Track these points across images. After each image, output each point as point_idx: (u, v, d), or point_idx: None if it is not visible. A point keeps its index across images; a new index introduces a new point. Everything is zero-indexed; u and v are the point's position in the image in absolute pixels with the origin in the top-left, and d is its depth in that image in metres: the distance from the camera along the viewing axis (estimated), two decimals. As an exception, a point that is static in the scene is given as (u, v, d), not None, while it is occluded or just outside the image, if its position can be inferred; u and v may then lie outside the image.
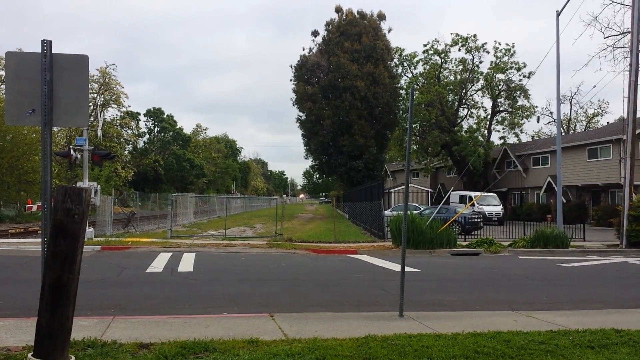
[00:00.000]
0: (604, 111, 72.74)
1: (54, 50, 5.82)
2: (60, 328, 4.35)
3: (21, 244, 18.60)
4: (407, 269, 8.97)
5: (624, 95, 21.11)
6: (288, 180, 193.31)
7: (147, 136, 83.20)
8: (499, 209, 39.47)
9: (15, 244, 18.66)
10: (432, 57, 51.69)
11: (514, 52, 49.76)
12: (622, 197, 21.51)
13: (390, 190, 52.14)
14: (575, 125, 72.00)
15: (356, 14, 48.87)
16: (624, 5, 23.49)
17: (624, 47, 23.59)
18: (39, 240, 11.77)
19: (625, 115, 21.90)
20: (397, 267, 12.88)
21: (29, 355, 4.37)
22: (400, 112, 48.88)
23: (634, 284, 12.70)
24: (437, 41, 51.45)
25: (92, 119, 48.49)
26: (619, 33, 25.07)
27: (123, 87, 61.29)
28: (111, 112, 63.77)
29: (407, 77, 53.45)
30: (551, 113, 66.99)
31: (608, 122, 59.86)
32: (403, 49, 52.48)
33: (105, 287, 10.48)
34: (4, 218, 34.49)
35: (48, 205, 5.59)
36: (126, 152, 69.56)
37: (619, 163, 35.20)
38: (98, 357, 5.12)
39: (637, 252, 19.65)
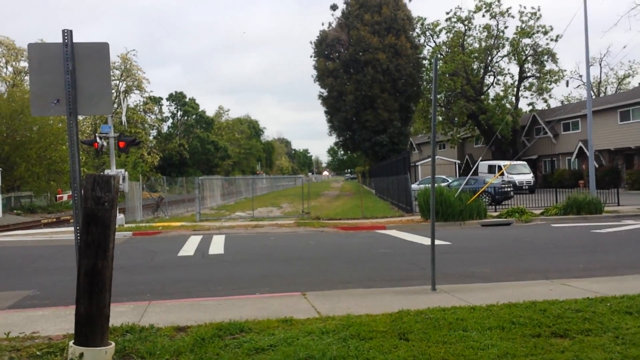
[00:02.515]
0: (634, 72, 70.55)
1: (75, 39, 5.82)
2: (99, 315, 4.42)
3: (54, 234, 19.02)
4: (437, 242, 8.89)
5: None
6: (312, 158, 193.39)
7: (171, 120, 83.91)
8: (529, 177, 38.81)
9: (48, 234, 19.09)
10: (455, 24, 50.70)
11: (540, 15, 48.54)
12: (657, 159, 20.92)
13: (417, 164, 51.69)
14: (606, 88, 70.07)
15: (375, -16, 47.85)
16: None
17: (655, 4, 22.65)
18: (72, 229, 12.02)
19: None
20: (426, 241, 12.79)
21: (70, 343, 4.45)
22: (424, 83, 48.16)
23: (672, 247, 12.40)
24: (460, 8, 50.65)
25: (115, 105, 49.03)
26: (649, -10, 24.08)
27: (144, 73, 62.08)
28: (134, 98, 64.46)
29: (430, 46, 52.61)
30: (580, 76, 65.26)
31: (639, 83, 58.08)
32: (425, 18, 51.57)
33: (139, 273, 10.66)
34: (36, 209, 35.32)
35: (78, 195, 5.65)
36: (151, 138, 70.30)
37: (652, 124, 34.22)
38: (137, 341, 5.20)
39: (674, 214, 19.18)
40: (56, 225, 24.99)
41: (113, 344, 4.64)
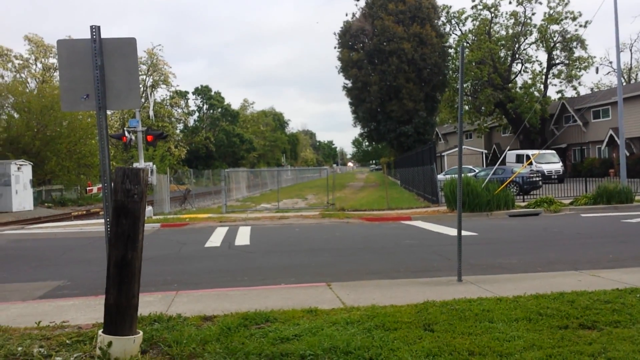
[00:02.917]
0: (667, 57, 68.42)
1: (103, 36, 5.91)
2: (127, 305, 4.51)
3: (84, 226, 19.40)
4: (463, 232, 8.81)
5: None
6: (337, 149, 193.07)
7: (197, 114, 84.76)
8: (558, 166, 38.11)
9: (78, 226, 19.47)
10: (482, 12, 49.96)
11: (569, 1, 47.47)
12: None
13: (443, 154, 51.23)
14: (637, 74, 68.23)
15: (399, -27, 47.31)
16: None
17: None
18: (101, 221, 12.25)
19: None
20: (452, 232, 12.70)
21: (99, 332, 4.56)
22: (450, 72, 47.60)
23: None
24: (487, -5, 49.54)
25: (142, 100, 49.65)
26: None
27: (170, 67, 62.55)
28: (160, 93, 65.16)
29: (456, 35, 51.95)
30: (610, 63, 63.86)
31: (673, 68, 56.35)
32: (450, 6, 51.06)
33: (167, 263, 10.83)
34: (66, 201, 36.10)
35: (108, 187, 5.76)
36: (178, 131, 71.10)
37: (686, 110, 33.21)
38: (165, 330, 5.29)
39: None
40: (86, 218, 25.50)
41: (141, 332, 4.74)
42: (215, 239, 14.30)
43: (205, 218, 20.14)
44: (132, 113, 37.76)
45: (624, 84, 55.13)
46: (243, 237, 14.62)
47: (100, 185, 21.51)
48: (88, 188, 37.28)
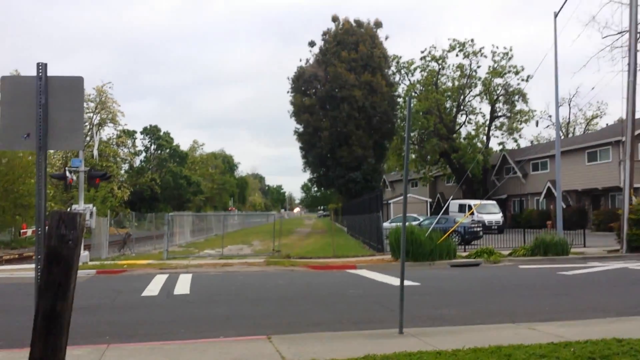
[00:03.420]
0: (602, 113, 73.07)
1: (51, 71, 5.78)
2: (53, 359, 4.24)
3: (15, 271, 18.43)
4: (406, 282, 8.85)
5: (622, 95, 21.04)
6: (286, 194, 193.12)
7: (144, 154, 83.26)
8: (498, 217, 39.32)
9: (9, 271, 18.48)
10: (430, 63, 51.73)
11: (512, 55, 49.93)
12: (622, 201, 21.40)
13: (389, 201, 52.03)
14: (575, 128, 72.07)
15: (353, 22, 48.78)
16: (622, 3, 23.46)
17: (622, 46, 23.51)
18: (33, 266, 11.61)
19: (624, 116, 21.85)
20: (396, 282, 12.70)
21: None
22: (398, 120, 48.82)
23: (636, 290, 12.59)
24: (435, 47, 51.65)
25: (88, 138, 48.42)
26: (617, 32, 25.00)
27: (119, 106, 61.28)
28: (107, 131, 63.79)
29: (405, 84, 53.45)
30: (550, 116, 67.05)
31: (607, 124, 59.94)
32: (400, 57, 52.61)
33: (100, 313, 10.34)
34: (-2, 244, 34.24)
35: (42, 231, 5.51)
36: (122, 172, 69.47)
37: (618, 165, 35.19)
38: (91, 388, 5.00)
39: (638, 257, 19.53)
40: (18, 262, 24.19)
41: (65, 392, 4.44)
42: (154, 287, 13.80)
43: (144, 265, 19.49)
44: (76, 152, 36.73)
45: (562, 137, 58.12)
46: (183, 285, 14.18)
47: (35, 228, 20.54)
48: (22, 230, 35.49)
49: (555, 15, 23.46)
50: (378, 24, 49.49)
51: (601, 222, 36.07)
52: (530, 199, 48.40)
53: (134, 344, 7.38)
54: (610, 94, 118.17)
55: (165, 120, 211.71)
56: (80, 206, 21.29)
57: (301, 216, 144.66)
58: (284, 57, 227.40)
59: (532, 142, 67.69)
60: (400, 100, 49.62)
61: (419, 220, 31.15)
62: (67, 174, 21.57)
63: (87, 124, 53.89)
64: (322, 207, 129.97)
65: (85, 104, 57.14)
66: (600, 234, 32.48)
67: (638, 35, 21.55)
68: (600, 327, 7.89)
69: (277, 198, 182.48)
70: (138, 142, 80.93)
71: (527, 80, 49.16)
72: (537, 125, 71.57)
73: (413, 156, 51.93)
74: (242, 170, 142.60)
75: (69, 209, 17.59)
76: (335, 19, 49.06)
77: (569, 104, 69.19)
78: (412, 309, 9.61)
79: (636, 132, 22.91)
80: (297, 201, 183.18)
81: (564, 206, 34.84)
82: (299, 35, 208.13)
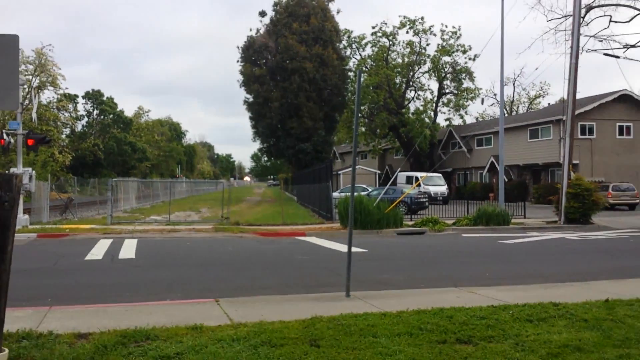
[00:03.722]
0: (545, 93, 75.25)
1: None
2: (-7, 320, 4.13)
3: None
4: (354, 249, 9.00)
5: (564, 77, 21.78)
6: (236, 163, 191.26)
7: (86, 119, 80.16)
8: (444, 188, 40.39)
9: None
10: (381, 39, 52.10)
11: (460, 35, 50.96)
12: (561, 176, 22.33)
13: (339, 172, 52.41)
14: (518, 107, 74.27)
15: (304, -6, 48.16)
16: (567, -12, 24.13)
17: (565, 30, 24.26)
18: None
19: (565, 97, 22.67)
20: (344, 248, 12.88)
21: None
22: (349, 94, 49.02)
23: (571, 258, 13.26)
24: (386, 23, 52.05)
25: (26, 101, 46.20)
26: (561, 16, 25.74)
27: (60, 69, 58.41)
28: (47, 95, 61.03)
29: (356, 59, 53.66)
30: (495, 95, 68.81)
31: (549, 104, 62.16)
32: (352, 31, 52.65)
33: (42, 277, 10.04)
34: None
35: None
36: (63, 136, 66.81)
37: (558, 143, 36.56)
38: (33, 348, 4.89)
39: (575, 228, 20.53)
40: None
41: (7, 350, 4.39)
42: (97, 252, 13.49)
43: (87, 229, 18.97)
44: (14, 114, 35.01)
45: (506, 115, 59.79)
46: (128, 250, 13.92)
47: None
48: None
49: (504, -4, 23.90)
50: (330, -3, 49.01)
51: (541, 195, 37.60)
52: (474, 172, 49.85)
53: (77, 306, 7.21)
54: (553, 75, 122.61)
55: (109, 85, 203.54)
56: (19, 169, 20.40)
57: (251, 185, 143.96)
58: (233, 25, 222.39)
59: (477, 118, 69.45)
60: (351, 74, 49.73)
61: (368, 190, 31.57)
62: (4, 136, 20.53)
63: (25, 86, 51.29)
64: (272, 177, 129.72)
65: (23, 66, 54.56)
66: (539, 206, 33.88)
67: (581, 19, 22.25)
68: (538, 292, 8.26)
69: (226, 167, 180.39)
70: (80, 107, 77.73)
71: (474, 60, 50.43)
72: (482, 102, 73.68)
73: (363, 129, 52.41)
74: (190, 138, 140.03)
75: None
76: (287, -11, 48.18)
77: (514, 84, 71.29)
78: (360, 273, 9.79)
79: (576, 112, 23.82)
80: (247, 170, 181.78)
81: (506, 180, 36.07)
82: (249, 4, 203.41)
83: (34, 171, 21.76)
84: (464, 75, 51.46)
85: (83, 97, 79.17)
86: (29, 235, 17.01)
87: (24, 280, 9.07)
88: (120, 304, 7.38)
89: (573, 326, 5.95)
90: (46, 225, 20.37)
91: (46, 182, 25.09)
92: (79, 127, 76.65)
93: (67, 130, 70.09)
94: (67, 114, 67.65)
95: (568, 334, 5.61)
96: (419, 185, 33.49)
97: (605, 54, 23.74)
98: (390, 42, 52.44)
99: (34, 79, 56.43)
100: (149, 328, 5.67)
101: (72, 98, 71.65)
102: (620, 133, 40.07)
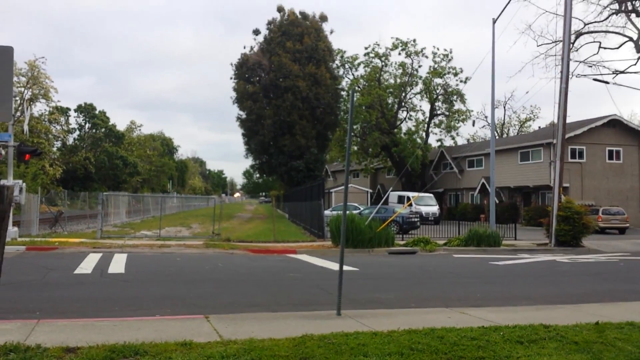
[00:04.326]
0: (535, 116, 75.85)
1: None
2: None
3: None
4: (345, 267, 8.99)
5: (554, 101, 22.04)
6: (227, 179, 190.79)
7: (78, 133, 79.90)
8: (435, 209, 40.51)
9: None
10: (373, 60, 52.66)
11: (452, 57, 51.55)
12: (552, 198, 22.46)
13: (331, 190, 52.42)
14: (509, 129, 74.91)
15: (298, 14, 48.73)
16: (556, 14, 24.58)
17: (555, 55, 24.72)
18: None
19: (555, 120, 22.92)
20: (335, 266, 12.90)
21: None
22: (342, 113, 49.30)
23: (562, 281, 13.29)
24: (378, 44, 52.63)
25: (18, 113, 46.06)
26: (551, 42, 26.22)
27: (52, 82, 58.29)
28: (39, 107, 60.86)
29: (349, 79, 54.15)
30: (486, 117, 69.47)
31: (539, 127, 62.64)
32: (345, 51, 53.18)
33: (30, 290, 9.92)
34: None
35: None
36: (54, 149, 66.49)
37: (549, 166, 36.90)
38: (20, 362, 4.82)
39: (565, 250, 20.60)
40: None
41: (-9, 365, 4.28)
42: (87, 266, 13.36)
43: (77, 243, 18.81)
44: (5, 126, 34.84)
45: (497, 137, 60.32)
46: (118, 264, 13.80)
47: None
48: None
49: (494, 21, 24.33)
50: (323, 18, 49.64)
51: (531, 217, 37.74)
52: (466, 193, 50.04)
53: (65, 320, 7.12)
54: (543, 99, 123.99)
55: (101, 99, 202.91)
56: (9, 181, 20.26)
57: (242, 202, 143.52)
58: (227, 43, 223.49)
59: (468, 140, 70.01)
60: (343, 93, 50.11)
61: (360, 209, 31.61)
62: (-4, 147, 20.42)
63: (17, 98, 51.17)
64: (263, 194, 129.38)
65: (16, 78, 54.45)
66: (530, 228, 34.02)
67: (571, 45, 22.60)
68: (529, 313, 8.27)
69: (218, 183, 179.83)
70: (72, 120, 77.55)
71: (465, 82, 51.07)
72: (473, 124, 74.10)
73: (355, 148, 52.63)
74: (182, 153, 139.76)
75: (-4, 183, 16.72)
76: (280, 9, 48.76)
77: (504, 107, 72.02)
78: (351, 292, 9.77)
79: (566, 136, 24.08)
80: (238, 187, 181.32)
81: (497, 201, 36.27)
82: (243, 23, 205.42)
83: (24, 183, 21.63)
84: (455, 97, 52.00)
85: (75, 111, 79.09)
86: (18, 248, 16.85)
87: (12, 292, 8.97)
88: (109, 319, 7.30)
89: (563, 348, 5.96)
90: (35, 238, 20.17)
91: (36, 194, 24.90)
92: (70, 140, 76.40)
93: (58, 143, 69.78)
94: (58, 127, 67.44)
95: (558, 356, 5.62)
96: (410, 205, 33.53)
97: (595, 79, 24.17)
98: (383, 63, 53.00)
99: (26, 91, 56.32)
100: (137, 343, 5.62)
101: (64, 111, 71.52)
102: (610, 157, 40.46)
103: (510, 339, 6.26)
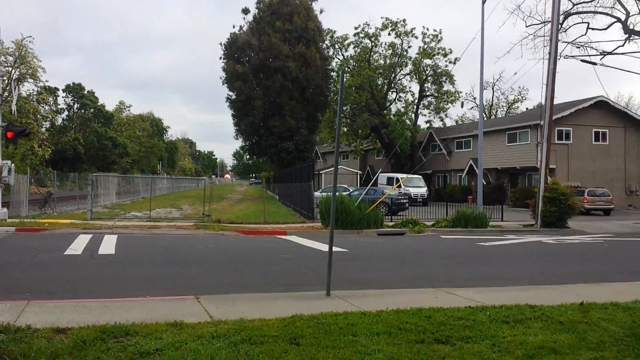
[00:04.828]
0: (523, 97, 76.23)
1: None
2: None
3: None
4: (335, 248, 9.06)
5: (542, 82, 22.10)
6: (217, 160, 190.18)
7: (66, 113, 79.10)
8: (423, 190, 40.74)
9: None
10: (363, 40, 52.32)
11: (441, 38, 51.32)
12: (538, 180, 22.67)
13: (321, 172, 52.50)
14: (497, 111, 75.11)
15: (288, -7, 48.10)
16: (546, -6, 24.45)
17: (544, 36, 24.67)
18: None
19: (543, 102, 22.99)
20: (325, 247, 12.99)
21: None
22: (332, 94, 49.13)
23: (547, 261, 13.48)
24: (368, 25, 52.25)
25: (6, 93, 45.43)
26: (540, 22, 26.13)
27: (40, 61, 57.49)
28: (27, 87, 59.98)
29: (339, 59, 53.79)
30: (474, 98, 69.58)
31: (527, 108, 62.93)
32: (334, 31, 52.76)
33: (20, 271, 9.93)
34: None
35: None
36: (43, 130, 65.81)
37: (536, 147, 37.07)
38: (11, 342, 4.87)
39: (551, 231, 20.86)
40: None
41: (-18, 345, 4.31)
42: (77, 247, 13.36)
43: (67, 224, 18.76)
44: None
45: (485, 119, 60.45)
46: (108, 245, 13.81)
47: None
48: None
49: (483, 2, 24.21)
50: (313, -3, 49.06)
51: (518, 199, 38.03)
52: (454, 174, 50.29)
53: (55, 301, 7.16)
54: (531, 80, 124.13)
55: (90, 79, 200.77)
56: (-3, 162, 20.06)
57: (232, 183, 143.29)
58: (218, 22, 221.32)
59: (457, 121, 70.19)
60: (333, 74, 49.86)
61: (349, 190, 31.69)
62: (-17, 128, 20.20)
63: (5, 78, 50.40)
64: (254, 175, 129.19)
65: (3, 57, 53.55)
66: (517, 209, 34.29)
67: (559, 26, 22.57)
68: (515, 293, 8.42)
69: (208, 164, 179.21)
70: (60, 100, 76.75)
71: (454, 63, 50.94)
72: (462, 106, 74.43)
73: (345, 129, 52.55)
74: (172, 134, 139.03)
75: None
76: (269, -13, 48.10)
77: (493, 88, 72.20)
78: (340, 273, 9.86)
79: (554, 117, 24.18)
80: (228, 168, 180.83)
81: (485, 183, 36.50)
82: (233, 1, 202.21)
83: (13, 164, 21.44)
84: (444, 78, 51.89)
85: (64, 91, 78.24)
86: (7, 229, 16.78)
87: (1, 273, 8.98)
88: (100, 300, 7.34)
89: (549, 328, 6.09)
90: (25, 219, 20.07)
91: (25, 175, 24.71)
92: (59, 120, 75.59)
93: (47, 124, 69.01)
94: (47, 107, 66.66)
95: (544, 336, 5.74)
96: (399, 186, 33.70)
97: (583, 61, 24.11)
98: (373, 44, 52.72)
99: (13, 70, 55.54)
100: (128, 324, 5.67)
101: (52, 91, 70.68)
102: (597, 139, 40.76)
103: (497, 319, 6.38)
